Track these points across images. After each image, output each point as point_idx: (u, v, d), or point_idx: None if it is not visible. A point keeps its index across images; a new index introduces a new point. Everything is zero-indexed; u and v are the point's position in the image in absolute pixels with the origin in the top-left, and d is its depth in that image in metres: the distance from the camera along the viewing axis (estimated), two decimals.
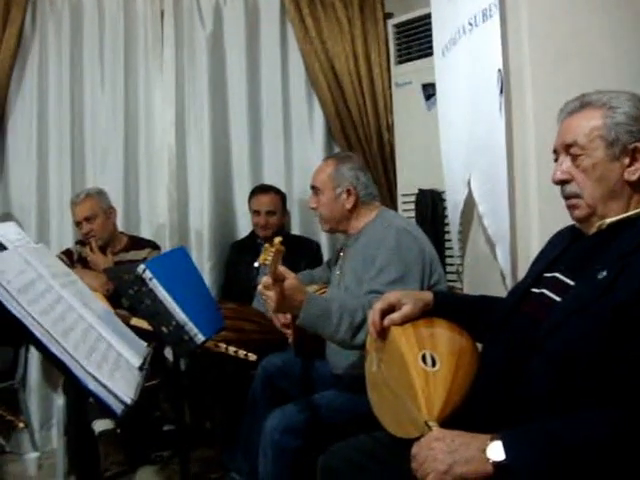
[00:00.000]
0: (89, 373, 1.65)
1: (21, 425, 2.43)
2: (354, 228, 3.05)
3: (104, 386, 1.66)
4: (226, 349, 2.80)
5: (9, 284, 1.65)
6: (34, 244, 2.26)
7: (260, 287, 2.37)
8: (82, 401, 3.58)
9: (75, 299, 2.00)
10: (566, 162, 1.85)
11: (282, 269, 2.32)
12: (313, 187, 3.11)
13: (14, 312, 1.62)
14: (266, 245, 2.23)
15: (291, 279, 2.35)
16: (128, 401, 1.69)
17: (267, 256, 2.21)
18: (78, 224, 4.12)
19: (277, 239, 2.22)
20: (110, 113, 4.67)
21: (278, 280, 2.30)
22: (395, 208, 4.48)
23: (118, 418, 1.69)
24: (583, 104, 1.85)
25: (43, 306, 1.75)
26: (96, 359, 1.76)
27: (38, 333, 1.63)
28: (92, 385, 1.65)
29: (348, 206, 3.01)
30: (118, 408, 1.67)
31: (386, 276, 2.70)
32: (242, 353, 2.78)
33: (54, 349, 1.64)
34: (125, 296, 3.02)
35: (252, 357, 2.79)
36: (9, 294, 1.63)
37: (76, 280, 2.25)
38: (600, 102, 1.82)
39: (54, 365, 1.66)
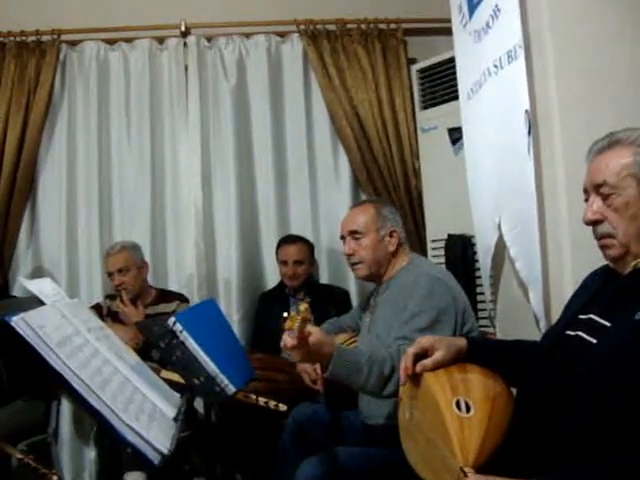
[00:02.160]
0: (127, 425, 1.67)
1: (55, 479, 2.42)
2: (387, 275, 3.02)
3: (142, 437, 1.68)
4: (256, 400, 2.78)
5: (49, 338, 1.68)
6: (69, 299, 2.30)
7: (283, 345, 2.32)
8: (115, 453, 3.58)
9: (110, 352, 2.03)
10: (597, 202, 1.82)
11: (306, 329, 2.27)
12: (353, 232, 3.03)
13: (54, 365, 1.65)
14: (292, 313, 2.19)
15: (315, 334, 2.31)
16: (165, 451, 1.71)
17: (293, 323, 2.18)
18: (110, 275, 4.16)
19: (303, 306, 2.18)
20: (137, 168, 4.74)
21: (303, 340, 2.27)
22: (425, 254, 4.48)
23: (155, 469, 1.70)
24: (612, 142, 1.83)
25: (81, 359, 1.78)
26: (133, 410, 1.79)
27: (77, 386, 1.66)
28: (130, 436, 1.67)
29: (391, 248, 2.99)
30: (155, 459, 1.69)
31: (417, 323, 2.66)
32: (272, 403, 2.76)
33: (93, 401, 1.66)
34: (156, 348, 3.03)
35: (282, 407, 2.77)
36: (49, 348, 1.66)
37: (110, 334, 2.28)
38: (629, 140, 1.80)
39: (92, 417, 1.69)
